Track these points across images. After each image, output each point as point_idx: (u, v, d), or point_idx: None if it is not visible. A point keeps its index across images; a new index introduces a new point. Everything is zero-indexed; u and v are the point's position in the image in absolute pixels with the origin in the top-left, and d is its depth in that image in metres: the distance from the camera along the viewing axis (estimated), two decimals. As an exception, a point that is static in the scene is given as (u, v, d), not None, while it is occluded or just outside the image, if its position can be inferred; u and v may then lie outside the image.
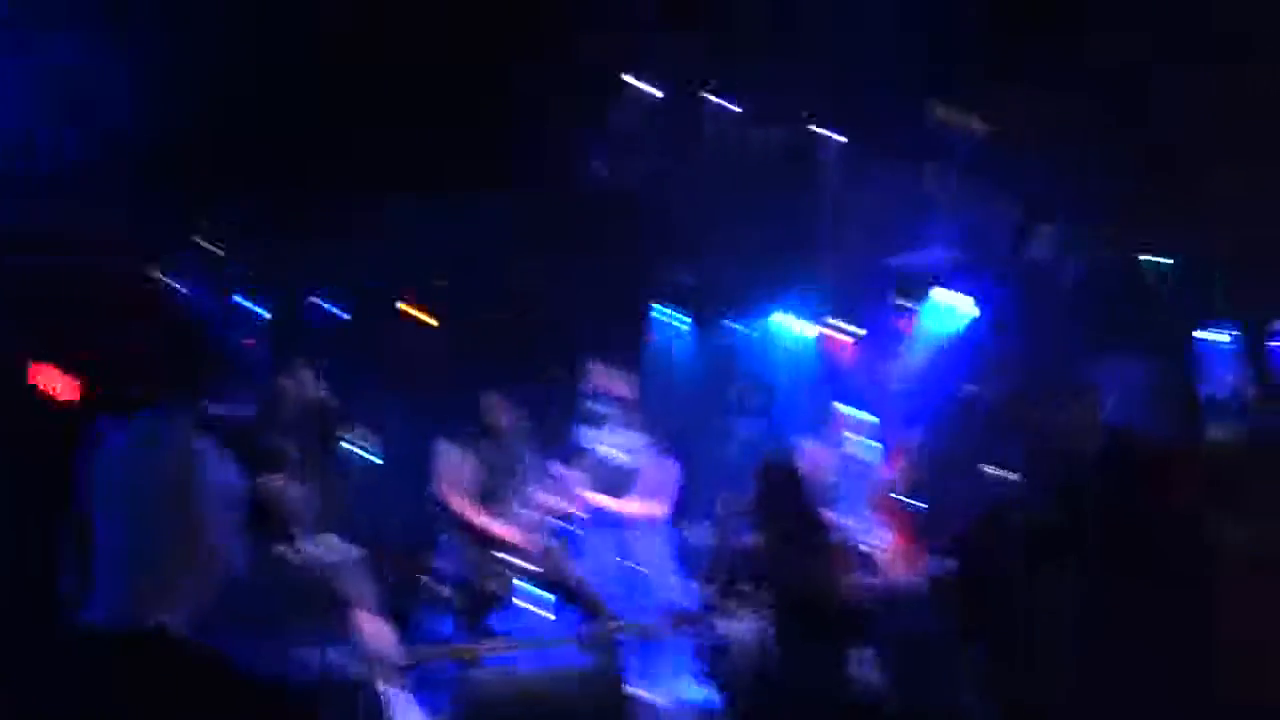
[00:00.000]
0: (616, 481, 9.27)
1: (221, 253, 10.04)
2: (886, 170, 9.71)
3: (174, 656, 2.07)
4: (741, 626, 7.02)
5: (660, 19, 7.84)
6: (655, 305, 13.16)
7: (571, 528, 11.14)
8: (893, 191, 9.86)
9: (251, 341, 11.52)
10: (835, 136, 9.38)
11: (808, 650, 6.05)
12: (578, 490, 9.23)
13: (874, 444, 10.69)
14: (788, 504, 6.43)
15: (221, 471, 2.27)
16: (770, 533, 6.43)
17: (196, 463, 2.22)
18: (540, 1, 7.86)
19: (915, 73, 8.19)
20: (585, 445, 9.48)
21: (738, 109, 8.86)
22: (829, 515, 6.75)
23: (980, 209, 10.26)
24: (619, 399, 9.61)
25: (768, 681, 6.85)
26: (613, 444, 9.52)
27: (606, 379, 9.63)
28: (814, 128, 9.26)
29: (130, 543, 2.16)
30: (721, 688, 7.65)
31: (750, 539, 6.59)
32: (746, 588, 6.64)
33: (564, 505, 9.30)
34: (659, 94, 8.58)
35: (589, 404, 9.65)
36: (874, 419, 10.93)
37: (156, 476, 2.18)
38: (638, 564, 10.68)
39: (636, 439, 9.54)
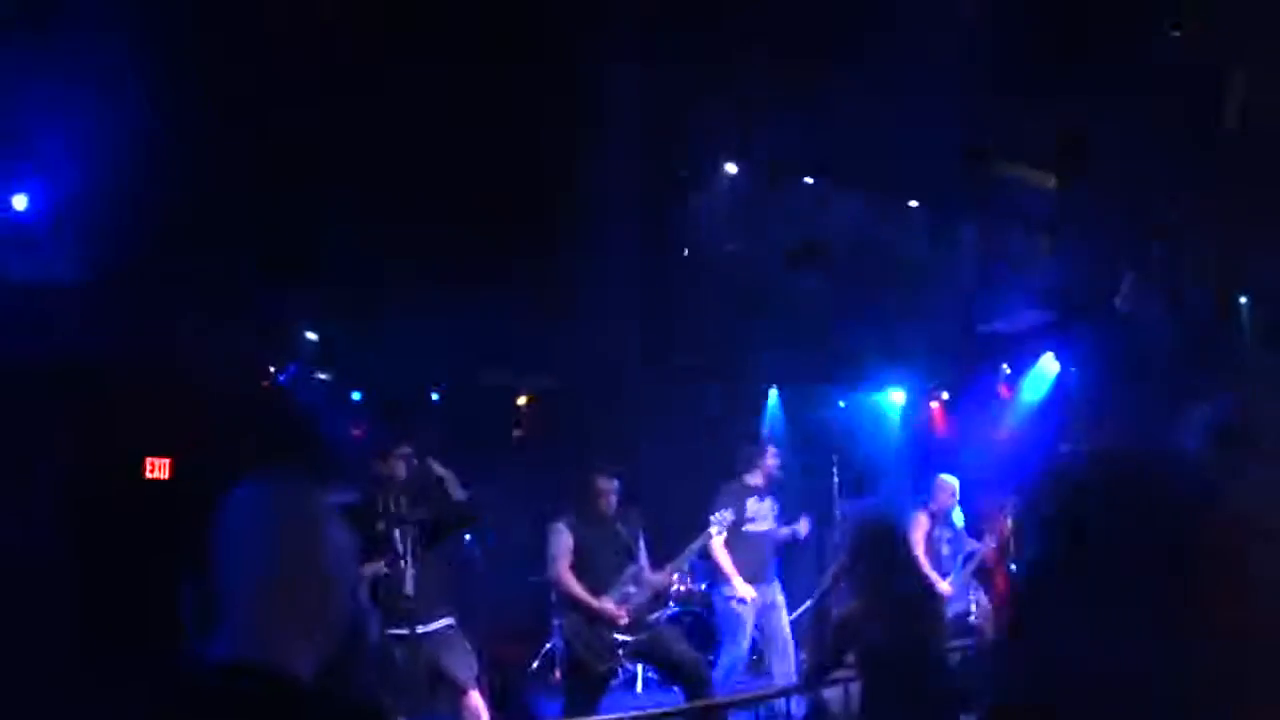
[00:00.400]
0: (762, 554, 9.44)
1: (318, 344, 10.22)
2: (967, 234, 9.74)
3: (278, 692, 2.17)
4: (837, 693, 7.02)
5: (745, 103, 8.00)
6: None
7: (679, 608, 11.24)
8: (975, 255, 9.87)
9: (360, 432, 11.79)
10: (912, 204, 9.42)
11: (899, 715, 6.01)
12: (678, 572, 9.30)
13: (961, 514, 10.67)
14: (884, 568, 6.40)
15: (342, 532, 2.41)
16: (866, 596, 6.40)
17: (323, 519, 2.36)
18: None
19: (987, 131, 8.29)
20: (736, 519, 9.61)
21: (812, 181, 8.94)
22: (926, 579, 6.71)
23: (1064, 265, 10.24)
24: (765, 475, 9.82)
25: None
26: (760, 516, 9.74)
27: (760, 457, 9.85)
28: (893, 197, 9.31)
29: (262, 593, 2.29)
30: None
31: (848, 604, 6.57)
32: (846, 654, 6.62)
33: (673, 584, 9.34)
34: (736, 171, 8.68)
35: (741, 480, 9.84)
36: (964, 482, 10.93)
37: (288, 530, 2.32)
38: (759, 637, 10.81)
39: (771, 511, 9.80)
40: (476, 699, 8.10)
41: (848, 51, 7.65)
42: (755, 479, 9.89)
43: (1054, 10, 7.56)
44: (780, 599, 9.85)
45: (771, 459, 9.97)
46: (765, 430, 13.36)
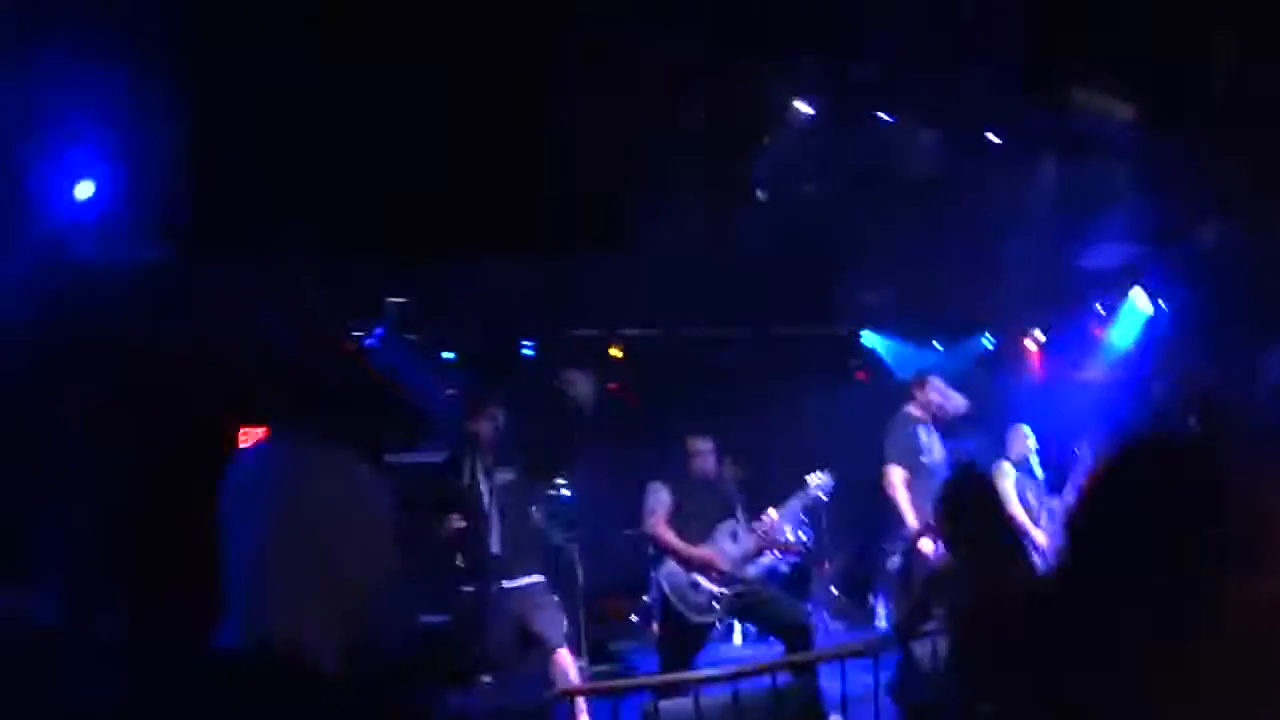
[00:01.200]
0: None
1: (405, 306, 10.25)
2: (1047, 168, 9.50)
3: (297, 681, 2.04)
4: (926, 649, 6.90)
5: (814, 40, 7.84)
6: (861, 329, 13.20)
7: (776, 561, 11.17)
8: (1057, 189, 9.63)
9: (454, 391, 11.82)
10: (992, 138, 9.20)
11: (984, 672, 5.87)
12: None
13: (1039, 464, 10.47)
14: (977, 524, 6.26)
15: (363, 499, 2.23)
16: (953, 546, 6.27)
17: (341, 480, 2.19)
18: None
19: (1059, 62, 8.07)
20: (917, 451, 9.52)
21: (892, 120, 8.77)
22: (1022, 534, 6.56)
23: (1149, 200, 9.96)
24: (926, 408, 9.65)
25: (942, 705, 6.72)
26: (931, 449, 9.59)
27: (940, 395, 9.66)
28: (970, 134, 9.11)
29: (261, 567, 2.14)
30: (907, 712, 7.53)
31: (938, 559, 6.46)
32: (934, 609, 6.50)
33: (773, 540, 9.27)
34: (811, 111, 8.52)
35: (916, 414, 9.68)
36: (1058, 427, 10.72)
37: (279, 493, 2.15)
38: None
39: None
40: (566, 657, 8.10)
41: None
42: (917, 410, 9.68)
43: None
44: None
45: (933, 392, 9.71)
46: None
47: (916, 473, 9.35)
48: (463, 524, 8.48)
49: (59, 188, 7.43)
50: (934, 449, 9.58)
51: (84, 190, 7.48)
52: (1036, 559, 9.30)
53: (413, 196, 8.44)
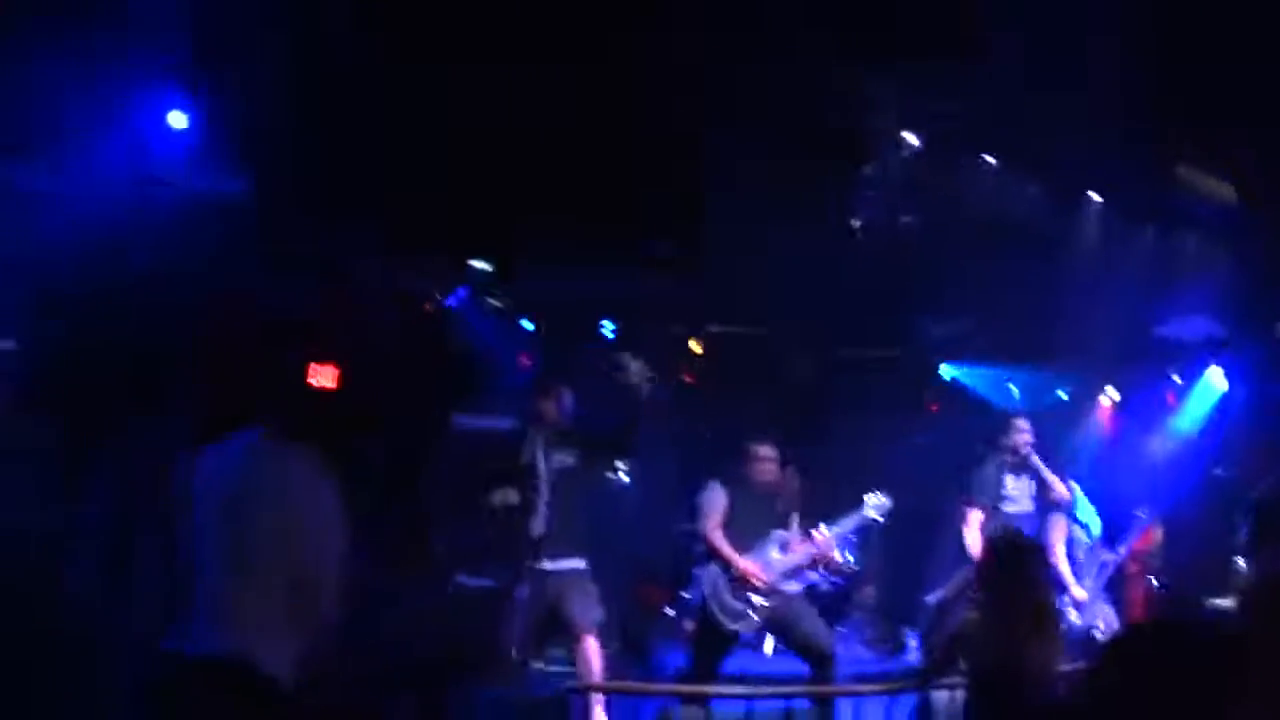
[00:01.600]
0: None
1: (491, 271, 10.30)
2: (1143, 235, 9.40)
3: (249, 692, 2.03)
4: (945, 696, 6.90)
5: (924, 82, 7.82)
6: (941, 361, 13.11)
7: (820, 579, 11.13)
8: (1150, 257, 9.52)
9: (527, 360, 11.88)
10: (1094, 197, 9.10)
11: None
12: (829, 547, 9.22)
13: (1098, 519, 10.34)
14: (1005, 584, 6.21)
15: (320, 500, 2.21)
16: (983, 609, 6.24)
17: (304, 481, 2.19)
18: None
19: (1171, 137, 7.99)
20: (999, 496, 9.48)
21: (994, 162, 8.70)
22: (1049, 599, 6.48)
23: (1232, 280, 9.82)
24: (1016, 451, 9.53)
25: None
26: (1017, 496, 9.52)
27: (1020, 433, 9.54)
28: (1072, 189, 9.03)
29: (219, 562, 2.13)
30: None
31: (967, 612, 6.43)
32: (958, 662, 6.49)
33: (819, 558, 9.25)
34: (917, 144, 8.49)
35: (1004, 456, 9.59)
36: (1117, 487, 10.62)
37: (244, 494, 2.14)
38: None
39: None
40: (593, 645, 8.13)
41: (1036, 30, 7.46)
42: (1006, 455, 9.57)
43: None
44: None
45: (1022, 434, 9.55)
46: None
47: (994, 516, 9.32)
48: (516, 500, 8.54)
49: (154, 117, 7.55)
50: (1018, 494, 9.50)
51: (178, 120, 7.59)
52: (1074, 615, 9.29)
53: (513, 164, 8.47)
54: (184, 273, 7.89)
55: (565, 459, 8.62)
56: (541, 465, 8.59)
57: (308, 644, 2.09)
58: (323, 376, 9.38)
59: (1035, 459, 9.47)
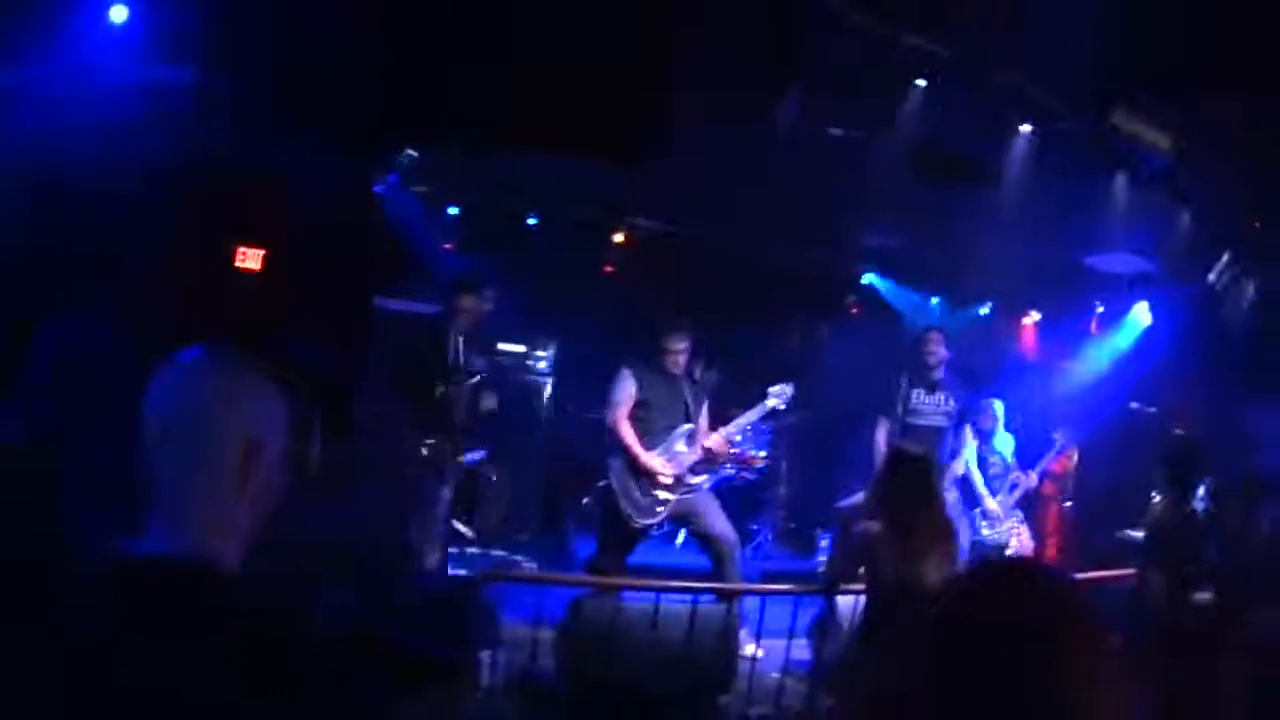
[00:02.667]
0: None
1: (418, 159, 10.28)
2: (1075, 169, 9.52)
3: (213, 592, 2.16)
4: (850, 601, 7.09)
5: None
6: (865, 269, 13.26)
7: (723, 473, 11.32)
8: (1082, 192, 9.65)
9: (450, 246, 11.91)
10: (1025, 129, 9.21)
11: (885, 637, 6.06)
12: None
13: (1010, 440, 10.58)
14: (900, 497, 6.40)
15: (276, 410, 2.35)
16: (881, 520, 6.43)
17: (253, 398, 2.31)
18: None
19: (1105, 80, 8.09)
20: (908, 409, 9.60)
21: (924, 83, 8.78)
22: (944, 513, 6.68)
23: (1164, 222, 9.99)
24: (929, 365, 9.65)
25: (848, 661, 6.94)
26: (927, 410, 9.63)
27: (944, 351, 9.65)
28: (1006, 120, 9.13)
29: (175, 474, 2.27)
30: (817, 655, 7.76)
31: (869, 524, 6.60)
32: (859, 570, 6.67)
33: (726, 453, 9.39)
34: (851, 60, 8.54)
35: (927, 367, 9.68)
36: (1034, 408, 10.87)
37: (199, 410, 2.27)
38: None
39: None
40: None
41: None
42: (917, 368, 9.69)
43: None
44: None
45: (934, 346, 9.68)
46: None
47: (906, 430, 9.43)
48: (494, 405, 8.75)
49: (94, 12, 7.46)
50: (928, 408, 9.63)
51: (118, 14, 7.51)
52: (985, 529, 9.58)
53: (443, 55, 8.40)
54: (119, 165, 7.84)
55: (477, 360, 8.77)
56: (462, 360, 8.74)
57: (250, 539, 2.26)
58: (250, 259, 9.43)
59: (939, 373, 9.65)
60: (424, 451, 8.59)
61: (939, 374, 9.63)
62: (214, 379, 2.27)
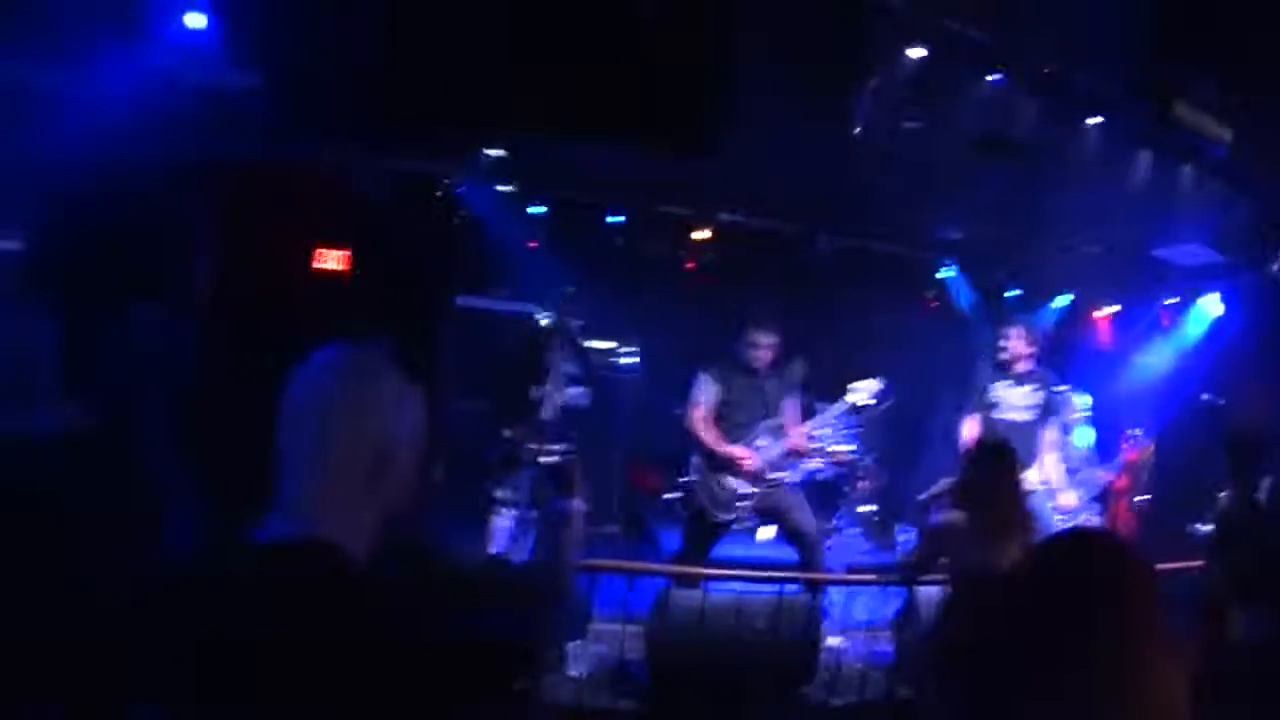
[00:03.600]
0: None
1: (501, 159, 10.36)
2: (1140, 160, 9.45)
3: (336, 573, 2.21)
4: (933, 592, 7.11)
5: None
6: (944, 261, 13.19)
7: (818, 468, 11.33)
8: (1148, 182, 9.57)
9: (534, 244, 11.99)
10: (1092, 121, 9.16)
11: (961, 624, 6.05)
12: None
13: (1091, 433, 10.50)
14: (983, 489, 6.41)
15: (411, 408, 2.41)
16: (963, 511, 6.44)
17: (391, 395, 2.36)
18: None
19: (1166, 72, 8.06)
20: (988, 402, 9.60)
21: (994, 78, 8.76)
22: (1025, 505, 6.68)
23: (1227, 212, 9.89)
24: (1012, 359, 9.61)
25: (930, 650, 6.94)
26: (1011, 404, 9.59)
27: (1024, 345, 9.61)
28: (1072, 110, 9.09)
29: (308, 462, 2.32)
30: (900, 646, 7.78)
31: (950, 514, 6.61)
32: (938, 560, 6.69)
33: (809, 447, 9.41)
34: (924, 54, 8.53)
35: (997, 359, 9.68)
36: (1109, 400, 10.79)
37: (330, 407, 2.32)
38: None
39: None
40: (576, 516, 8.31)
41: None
42: (1003, 358, 9.63)
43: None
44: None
45: (1016, 341, 9.61)
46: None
47: (989, 424, 9.42)
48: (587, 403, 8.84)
49: (171, 17, 7.61)
50: (1009, 401, 9.56)
51: (194, 20, 7.66)
52: (1059, 523, 9.50)
53: (523, 55, 8.48)
54: (194, 167, 7.99)
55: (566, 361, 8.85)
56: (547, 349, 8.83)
57: (381, 530, 2.32)
58: (329, 260, 9.56)
59: (1024, 366, 9.59)
60: (508, 448, 8.68)
61: (1022, 367, 9.55)
62: (347, 377, 2.32)
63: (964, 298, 13.24)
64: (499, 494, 9.28)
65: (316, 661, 2.02)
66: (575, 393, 9.31)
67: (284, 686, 2.02)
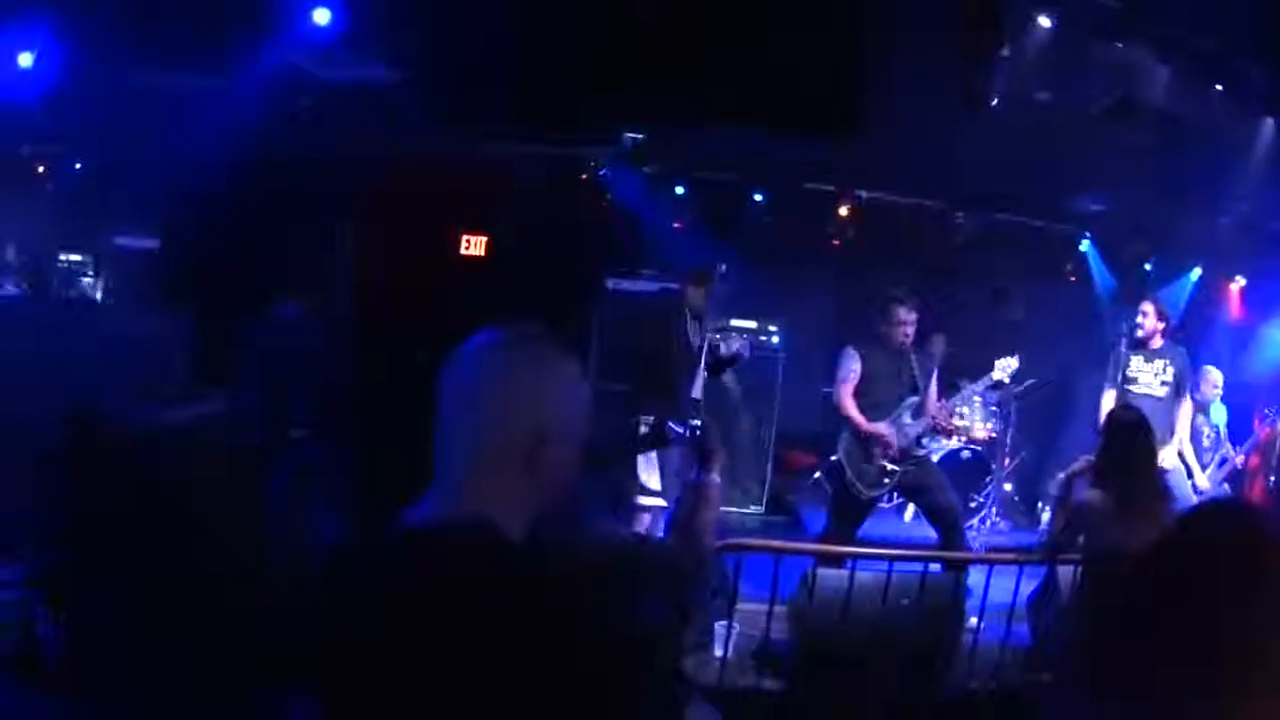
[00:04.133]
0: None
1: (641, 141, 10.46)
2: (1265, 130, 9.25)
3: (492, 551, 2.27)
4: (1067, 572, 7.09)
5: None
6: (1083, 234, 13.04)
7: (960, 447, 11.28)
8: (1272, 153, 9.37)
9: (678, 224, 12.10)
10: (1221, 87, 9.00)
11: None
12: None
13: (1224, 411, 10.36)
14: (1120, 465, 6.40)
15: (572, 391, 2.47)
16: (1101, 487, 6.43)
17: (553, 380, 2.42)
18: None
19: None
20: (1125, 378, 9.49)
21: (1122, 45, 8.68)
22: (1161, 482, 6.64)
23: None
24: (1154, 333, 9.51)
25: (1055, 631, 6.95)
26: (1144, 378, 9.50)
27: (1148, 314, 9.51)
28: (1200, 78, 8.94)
29: (465, 445, 2.39)
30: (1035, 628, 7.77)
31: (1089, 493, 6.60)
32: (1078, 538, 6.68)
33: (952, 424, 9.38)
34: (1050, 25, 8.48)
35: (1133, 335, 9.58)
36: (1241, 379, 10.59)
37: (488, 391, 2.39)
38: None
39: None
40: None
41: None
42: (1138, 332, 9.50)
43: None
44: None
45: (1149, 317, 9.46)
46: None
47: (1125, 399, 9.21)
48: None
49: (299, 13, 7.80)
50: (1145, 376, 9.45)
51: (321, 16, 7.83)
52: (1193, 499, 9.36)
53: (655, 33, 8.51)
54: (327, 162, 8.17)
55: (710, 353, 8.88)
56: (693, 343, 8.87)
57: (541, 511, 2.37)
58: (474, 246, 9.72)
59: (1157, 342, 9.46)
60: (646, 429, 8.76)
61: (1156, 343, 9.43)
62: (504, 362, 2.36)
63: (1099, 272, 13.07)
64: (642, 474, 9.40)
65: (471, 641, 2.06)
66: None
67: (441, 669, 2.06)
